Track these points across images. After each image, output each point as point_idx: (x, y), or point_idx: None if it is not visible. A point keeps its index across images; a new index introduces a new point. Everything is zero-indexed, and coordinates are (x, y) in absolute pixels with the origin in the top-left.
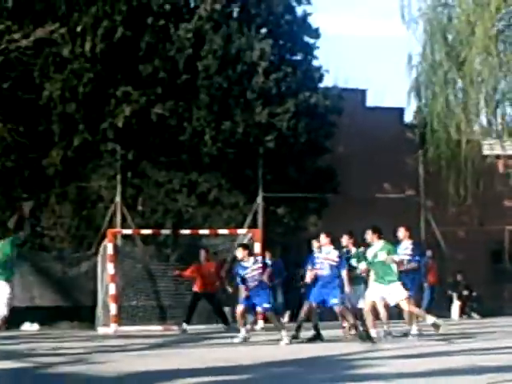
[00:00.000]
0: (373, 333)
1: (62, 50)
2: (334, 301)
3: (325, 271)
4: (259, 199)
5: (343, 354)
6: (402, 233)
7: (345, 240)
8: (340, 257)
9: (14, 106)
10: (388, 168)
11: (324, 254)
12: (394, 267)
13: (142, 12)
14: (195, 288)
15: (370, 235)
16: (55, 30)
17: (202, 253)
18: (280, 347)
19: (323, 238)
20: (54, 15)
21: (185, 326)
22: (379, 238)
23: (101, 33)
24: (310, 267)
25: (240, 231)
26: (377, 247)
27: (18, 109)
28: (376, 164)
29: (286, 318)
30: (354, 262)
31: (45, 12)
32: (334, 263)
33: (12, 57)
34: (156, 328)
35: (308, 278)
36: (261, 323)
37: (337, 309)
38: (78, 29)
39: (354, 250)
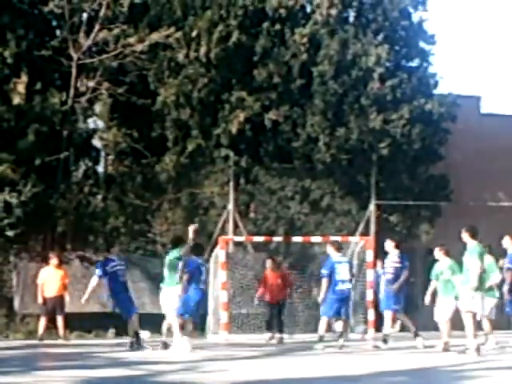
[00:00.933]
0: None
1: (177, 55)
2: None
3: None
4: (372, 206)
5: (448, 365)
6: (507, 242)
7: (436, 252)
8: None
9: (128, 111)
10: (502, 176)
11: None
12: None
13: (258, 16)
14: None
15: (437, 252)
16: (170, 34)
17: (268, 262)
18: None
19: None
20: (169, 19)
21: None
22: (446, 254)
23: (216, 37)
24: None
25: (352, 239)
26: (443, 265)
27: (133, 114)
28: (490, 172)
29: (397, 327)
30: (449, 273)
31: (160, 16)
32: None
33: (127, 61)
34: (266, 336)
35: None
36: (371, 332)
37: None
38: (193, 33)
39: (447, 261)
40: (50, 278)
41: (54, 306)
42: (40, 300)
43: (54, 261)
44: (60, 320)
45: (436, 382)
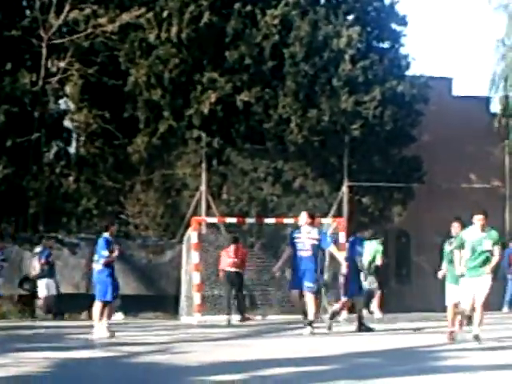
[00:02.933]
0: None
1: (148, 36)
2: (308, 284)
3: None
4: (344, 188)
5: (423, 346)
6: None
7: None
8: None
9: (100, 92)
10: (474, 158)
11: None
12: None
13: None
14: None
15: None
16: (141, 14)
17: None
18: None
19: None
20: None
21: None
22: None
23: (187, 18)
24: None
25: (325, 220)
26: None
27: (104, 95)
28: (461, 154)
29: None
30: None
31: None
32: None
33: (98, 42)
34: (239, 317)
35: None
36: (344, 314)
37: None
38: (164, 14)
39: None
40: None
41: None
42: None
43: None
44: None
45: (411, 363)
